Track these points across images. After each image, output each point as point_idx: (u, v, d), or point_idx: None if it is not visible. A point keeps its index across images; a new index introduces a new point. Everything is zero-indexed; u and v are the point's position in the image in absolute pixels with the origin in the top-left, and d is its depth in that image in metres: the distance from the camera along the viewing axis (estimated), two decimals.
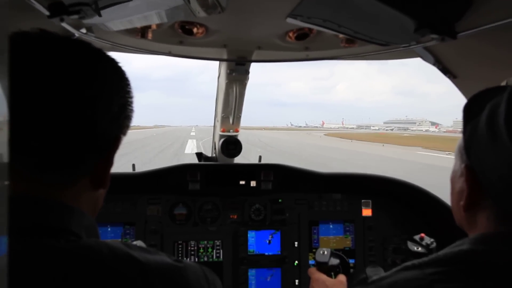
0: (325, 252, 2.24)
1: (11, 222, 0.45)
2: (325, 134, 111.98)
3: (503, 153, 0.92)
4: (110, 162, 0.99)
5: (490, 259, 0.96)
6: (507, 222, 1.00)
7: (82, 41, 0.97)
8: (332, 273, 2.19)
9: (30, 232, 0.79)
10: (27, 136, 0.81)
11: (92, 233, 0.91)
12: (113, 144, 0.98)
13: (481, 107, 1.04)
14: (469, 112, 1.10)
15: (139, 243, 2.21)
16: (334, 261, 2.22)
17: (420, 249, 2.45)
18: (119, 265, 0.82)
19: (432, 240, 2.48)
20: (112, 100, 0.94)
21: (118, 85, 0.98)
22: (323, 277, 2.15)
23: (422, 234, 2.54)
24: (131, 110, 1.01)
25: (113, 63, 0.99)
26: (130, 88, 1.00)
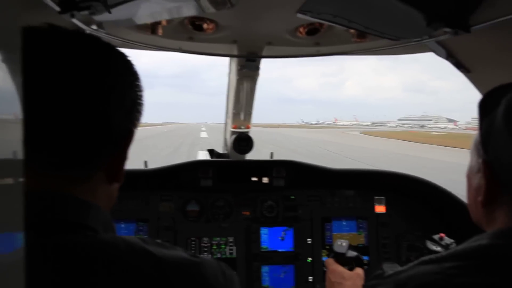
0: (344, 244, 2.22)
1: (28, 218, 0.45)
2: (361, 133, 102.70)
3: None
4: (124, 156, 0.99)
5: (509, 253, 0.95)
6: None
7: (92, 36, 0.97)
8: (349, 266, 2.17)
9: (47, 227, 0.79)
10: (42, 133, 0.82)
11: (109, 228, 0.91)
12: (127, 138, 0.98)
13: (496, 102, 1.03)
14: (484, 107, 1.09)
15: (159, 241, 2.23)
16: (352, 254, 2.20)
17: (439, 248, 2.42)
18: (135, 259, 0.82)
19: (452, 241, 2.44)
20: (124, 94, 0.94)
21: (129, 79, 0.98)
22: (340, 268, 2.12)
23: (442, 234, 2.50)
24: (142, 104, 1.02)
25: (124, 57, 0.99)
26: (140, 82, 1.00)
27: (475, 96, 2.10)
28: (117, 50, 0.99)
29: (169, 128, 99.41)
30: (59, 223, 0.82)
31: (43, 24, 0.89)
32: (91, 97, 0.87)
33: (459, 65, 2.10)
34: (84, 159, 0.89)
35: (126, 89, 0.96)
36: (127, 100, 0.95)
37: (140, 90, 1.00)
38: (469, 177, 1.21)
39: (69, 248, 0.78)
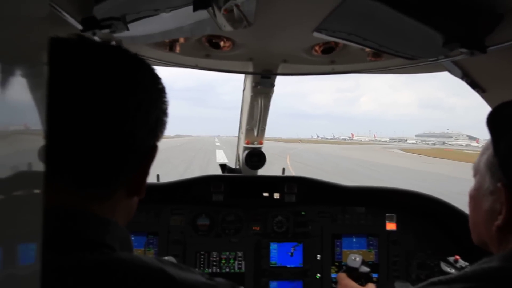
0: (357, 259, 2.21)
1: (46, 234, 0.46)
2: (402, 150, 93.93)
3: None
4: (146, 171, 0.97)
5: None
6: None
7: (120, 47, 0.95)
8: (360, 281, 2.15)
9: (64, 245, 0.78)
10: (66, 149, 0.80)
11: (126, 245, 0.90)
12: (150, 154, 0.96)
13: (509, 120, 1.02)
14: (497, 127, 1.08)
15: (170, 259, 2.23)
16: (365, 269, 2.19)
17: (453, 270, 2.39)
18: (151, 279, 0.81)
19: (467, 264, 2.41)
20: (150, 111, 0.92)
21: (156, 94, 0.95)
22: (352, 283, 2.11)
23: (457, 257, 2.47)
24: (166, 119, 1.00)
25: (151, 71, 0.97)
26: (166, 96, 0.98)
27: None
28: (145, 62, 0.97)
29: (181, 142, 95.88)
30: (76, 241, 0.80)
31: (73, 35, 0.88)
32: (118, 114, 0.85)
33: (474, 85, 2.10)
34: (108, 177, 0.88)
35: (152, 105, 0.93)
36: (152, 117, 0.93)
37: (166, 105, 0.98)
38: (476, 197, 1.19)
39: (85, 267, 0.77)
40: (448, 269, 2.41)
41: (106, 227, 0.86)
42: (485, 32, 1.56)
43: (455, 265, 2.41)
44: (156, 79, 0.97)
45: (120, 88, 0.86)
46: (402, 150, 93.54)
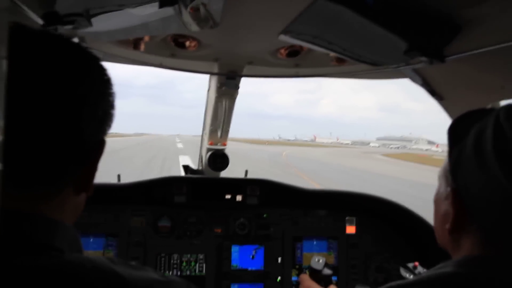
0: (320, 260, 2.23)
1: None
2: (383, 155, 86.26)
3: (492, 180, 0.93)
4: (95, 167, 0.95)
5: (472, 283, 0.97)
6: (491, 247, 1.02)
7: (63, 36, 0.90)
8: (323, 283, 2.17)
9: (10, 248, 0.74)
10: (8, 148, 0.76)
11: (75, 246, 0.87)
12: (98, 149, 0.94)
13: (466, 130, 1.05)
14: (454, 134, 1.12)
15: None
16: (328, 271, 2.21)
17: (412, 277, 2.45)
18: (102, 281, 0.78)
19: (425, 270, 2.48)
20: (97, 104, 0.89)
21: (103, 87, 0.93)
22: (314, 285, 2.13)
23: (416, 263, 2.54)
24: (114, 112, 0.97)
25: (97, 61, 0.94)
26: (113, 89, 0.95)
27: (447, 119, 2.17)
28: (90, 52, 0.93)
29: (137, 141, 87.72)
30: (23, 244, 0.77)
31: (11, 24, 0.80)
32: (63, 107, 0.81)
33: (433, 93, 2.18)
34: (55, 175, 0.84)
35: (99, 98, 0.90)
36: (100, 111, 0.90)
37: (112, 97, 0.95)
38: (437, 203, 1.22)
39: (32, 271, 0.73)
40: (407, 275, 2.47)
41: (54, 228, 0.83)
42: (444, 42, 1.62)
43: (413, 271, 2.48)
44: (102, 70, 0.94)
45: (65, 81, 0.82)
46: (384, 155, 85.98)
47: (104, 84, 0.93)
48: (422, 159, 68.49)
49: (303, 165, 42.22)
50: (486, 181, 0.95)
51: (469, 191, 1.02)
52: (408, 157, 74.50)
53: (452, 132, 1.13)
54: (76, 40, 1.96)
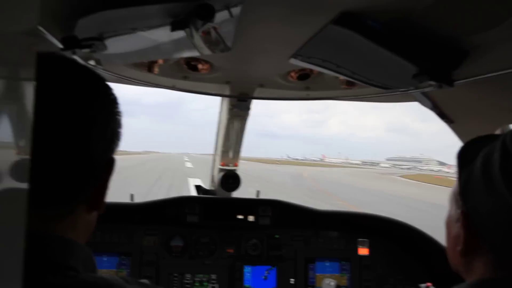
0: (332, 283, 2.23)
1: None
2: (401, 176, 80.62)
3: (499, 200, 0.94)
4: (106, 186, 0.96)
5: None
6: (503, 269, 1.01)
7: (69, 58, 0.94)
8: None
9: (26, 268, 0.75)
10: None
11: (89, 266, 0.88)
12: (109, 167, 0.95)
13: (475, 154, 1.06)
14: (463, 158, 1.12)
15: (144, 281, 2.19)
16: None
17: None
18: None
19: None
20: (106, 124, 0.91)
21: (110, 106, 0.94)
22: None
23: (429, 284, 2.52)
24: (121, 130, 0.98)
25: (103, 81, 0.95)
26: (119, 108, 0.97)
27: (457, 140, 2.18)
28: (96, 73, 0.94)
29: (142, 160, 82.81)
30: (39, 264, 0.77)
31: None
32: (74, 129, 0.83)
33: (443, 116, 2.18)
34: (69, 195, 0.86)
35: (107, 118, 0.92)
36: (109, 130, 0.92)
37: (119, 116, 0.97)
38: (448, 225, 1.22)
39: None
40: None
41: (69, 248, 0.85)
42: (452, 66, 1.64)
43: None
44: (108, 90, 0.96)
45: (74, 103, 0.84)
46: (401, 176, 79.82)
47: (111, 104, 0.95)
48: (439, 180, 65.98)
49: (336, 189, 35.83)
50: (494, 202, 0.96)
51: (478, 212, 1.03)
52: (424, 178, 71.16)
53: (461, 156, 1.14)
54: (92, 62, 2.02)
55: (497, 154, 0.96)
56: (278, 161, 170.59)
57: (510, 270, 1.00)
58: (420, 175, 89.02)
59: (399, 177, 76.76)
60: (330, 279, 2.25)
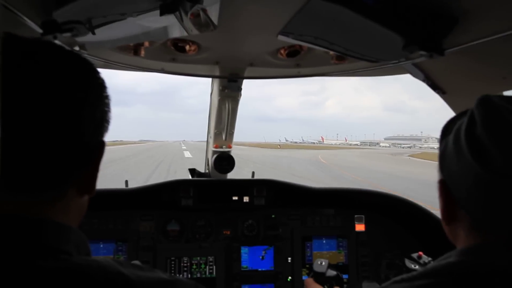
0: (323, 263, 2.23)
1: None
2: (409, 156, 78.13)
3: (466, 165, 0.97)
4: (97, 169, 0.97)
5: (477, 269, 0.97)
6: (481, 232, 1.03)
7: (54, 43, 0.93)
8: (328, 285, 2.17)
9: (18, 252, 0.76)
10: (12, 155, 0.77)
11: (83, 250, 0.88)
12: (99, 150, 0.96)
13: (455, 125, 1.09)
14: (445, 130, 1.15)
15: (136, 262, 2.20)
16: (331, 273, 2.21)
17: (417, 267, 2.44)
18: (108, 283, 0.80)
19: (430, 259, 2.47)
20: (94, 106, 0.91)
21: (98, 89, 0.95)
22: None
23: (420, 253, 2.53)
24: (110, 113, 0.99)
25: (91, 65, 0.96)
26: (107, 91, 0.98)
27: (451, 115, 2.16)
28: (83, 57, 0.95)
29: (138, 149, 79.28)
30: (31, 248, 0.78)
31: (5, 34, 0.83)
32: (64, 112, 0.83)
33: (435, 87, 2.17)
34: (60, 179, 0.87)
35: (96, 101, 0.93)
36: (98, 112, 0.93)
37: (108, 99, 0.97)
38: (439, 198, 1.25)
39: (40, 274, 0.75)
40: (412, 266, 2.46)
41: (62, 232, 0.85)
42: (442, 35, 1.61)
43: (418, 261, 2.47)
44: (96, 73, 0.96)
45: (63, 87, 0.84)
46: (410, 156, 77.23)
47: (100, 87, 0.95)
48: None
49: (375, 178, 30.53)
50: (461, 167, 0.99)
51: (452, 179, 1.06)
52: (430, 156, 67.51)
53: (444, 128, 1.16)
54: (76, 48, 1.98)
55: (465, 122, 1.00)
56: (279, 145, 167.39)
57: (486, 235, 1.02)
58: (424, 154, 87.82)
59: (408, 157, 74.66)
60: (322, 259, 2.25)
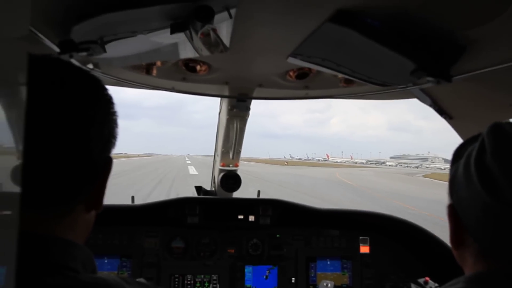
0: (329, 285, 2.23)
1: None
2: (424, 176, 76.36)
3: (475, 192, 0.97)
4: (104, 185, 0.97)
5: None
6: (488, 259, 1.03)
7: (63, 60, 0.94)
8: None
9: (27, 269, 0.75)
10: (23, 173, 0.74)
11: (89, 266, 0.89)
12: (107, 167, 0.96)
13: (465, 150, 1.09)
14: (456, 155, 1.16)
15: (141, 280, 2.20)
16: None
17: None
18: None
19: (436, 285, 2.46)
20: (102, 123, 0.92)
21: (106, 106, 0.95)
22: None
23: (427, 278, 2.52)
24: (117, 129, 0.99)
25: (99, 82, 0.96)
26: (114, 107, 0.98)
27: (457, 137, 2.18)
28: (91, 74, 0.95)
29: (141, 162, 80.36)
30: (38, 265, 0.78)
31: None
32: (73, 131, 0.84)
33: (442, 112, 2.18)
34: (69, 196, 0.87)
35: (104, 118, 0.93)
36: (106, 129, 0.93)
37: (115, 116, 0.98)
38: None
39: None
40: None
41: (69, 249, 0.85)
42: (450, 62, 1.64)
43: (425, 287, 2.46)
44: (104, 90, 0.97)
45: (73, 104, 0.85)
46: (424, 177, 74.54)
47: (108, 104, 0.96)
48: None
49: (408, 201, 27.41)
50: (470, 194, 0.99)
51: (461, 205, 1.06)
52: (442, 177, 65.07)
53: (455, 153, 1.17)
54: (90, 66, 2.02)
55: (475, 150, 1.00)
56: (286, 162, 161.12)
57: (492, 262, 1.02)
58: (436, 174, 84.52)
59: (422, 177, 72.04)
60: (327, 281, 2.25)
